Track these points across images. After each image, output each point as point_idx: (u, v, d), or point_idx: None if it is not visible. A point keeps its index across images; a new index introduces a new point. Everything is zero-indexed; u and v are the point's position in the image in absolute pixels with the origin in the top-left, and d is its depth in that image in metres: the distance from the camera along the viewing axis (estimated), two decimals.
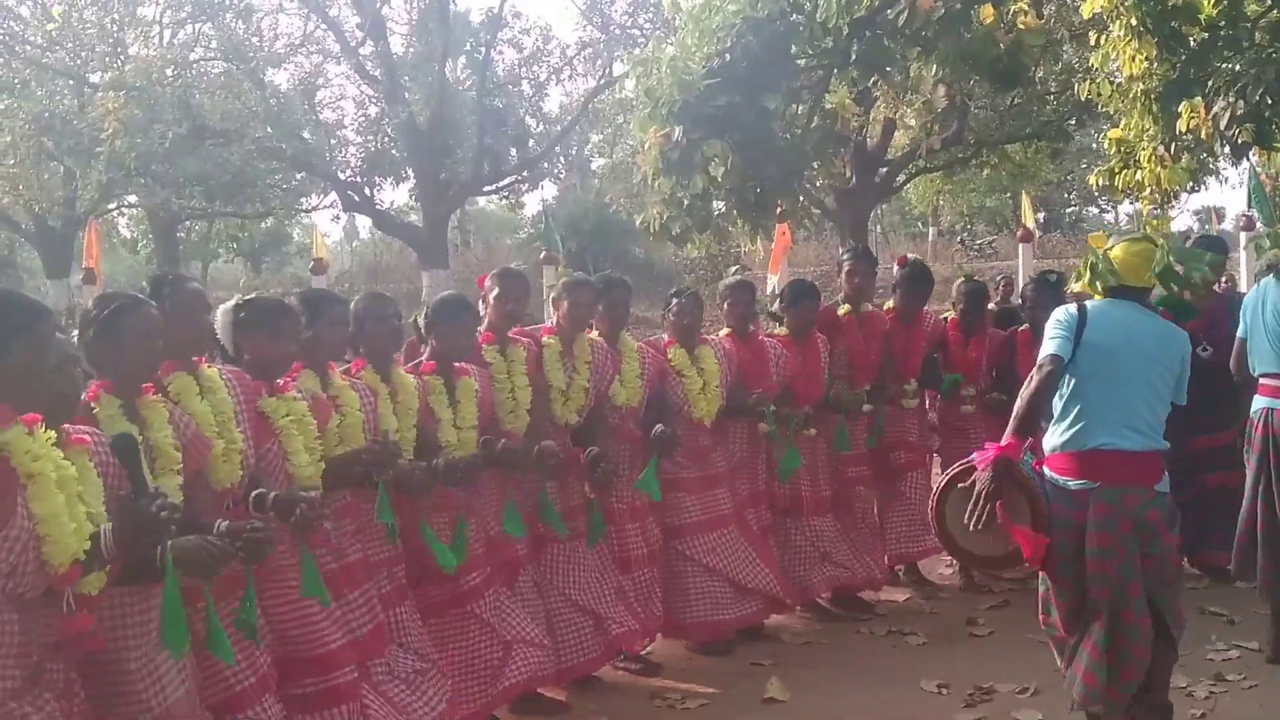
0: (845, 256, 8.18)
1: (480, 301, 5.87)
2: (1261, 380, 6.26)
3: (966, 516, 4.62)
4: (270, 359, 4.46)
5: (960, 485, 4.80)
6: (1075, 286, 5.49)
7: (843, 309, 7.63)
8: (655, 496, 6.27)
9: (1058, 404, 4.83)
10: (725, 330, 7.10)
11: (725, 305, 7.11)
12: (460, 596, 5.37)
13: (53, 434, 3.14)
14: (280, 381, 4.47)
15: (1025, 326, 7.99)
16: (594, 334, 6.25)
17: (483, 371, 5.52)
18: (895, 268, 8.07)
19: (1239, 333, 6.47)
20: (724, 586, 6.58)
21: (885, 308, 7.95)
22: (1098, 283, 4.95)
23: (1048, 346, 4.80)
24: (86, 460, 3.26)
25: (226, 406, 4.08)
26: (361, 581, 4.80)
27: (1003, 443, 4.62)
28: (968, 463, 4.81)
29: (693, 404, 6.48)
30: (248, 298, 4.66)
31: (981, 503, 4.54)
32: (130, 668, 3.58)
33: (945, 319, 8.22)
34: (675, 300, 6.78)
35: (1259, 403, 6.26)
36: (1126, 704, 4.72)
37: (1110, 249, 5.01)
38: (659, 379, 6.44)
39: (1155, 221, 11.32)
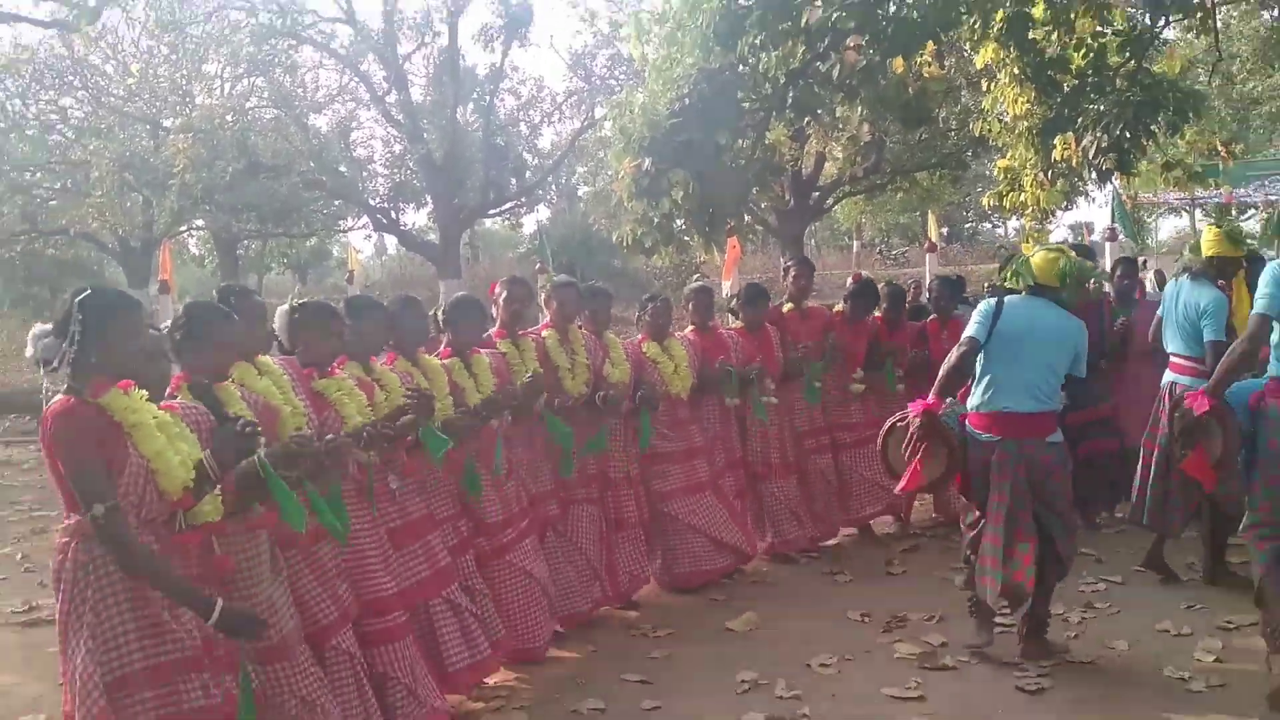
0: (790, 264, 8.22)
1: (491, 305, 5.98)
2: (1171, 358, 6.39)
3: (901, 448, 5.22)
4: (321, 352, 4.53)
5: (898, 426, 5.33)
6: (1003, 281, 5.83)
7: (787, 306, 7.72)
8: (644, 446, 6.40)
9: (977, 374, 5.29)
10: (689, 328, 7.12)
11: (689, 306, 7.20)
12: (501, 549, 5.40)
13: (142, 393, 3.27)
14: (331, 369, 4.56)
15: (933, 318, 8.13)
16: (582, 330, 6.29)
17: (494, 353, 5.60)
18: (850, 281, 8.28)
19: (1159, 312, 6.63)
20: (704, 542, 6.60)
21: (834, 309, 8.00)
22: (1019, 280, 5.38)
23: (969, 330, 5.27)
24: (180, 420, 3.43)
25: (283, 382, 4.17)
26: (423, 534, 4.85)
27: (929, 400, 5.12)
28: (904, 413, 5.31)
29: (669, 383, 6.51)
30: (301, 302, 4.70)
31: (909, 440, 5.14)
32: (257, 603, 3.69)
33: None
34: (650, 304, 6.82)
35: (1167, 376, 6.39)
36: (1019, 602, 5.13)
37: (1031, 256, 5.49)
38: (638, 367, 6.47)
39: (1036, 234, 11.36)
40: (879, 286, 8.46)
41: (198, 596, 3.24)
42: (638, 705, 4.98)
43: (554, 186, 34.88)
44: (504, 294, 5.87)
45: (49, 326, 3.55)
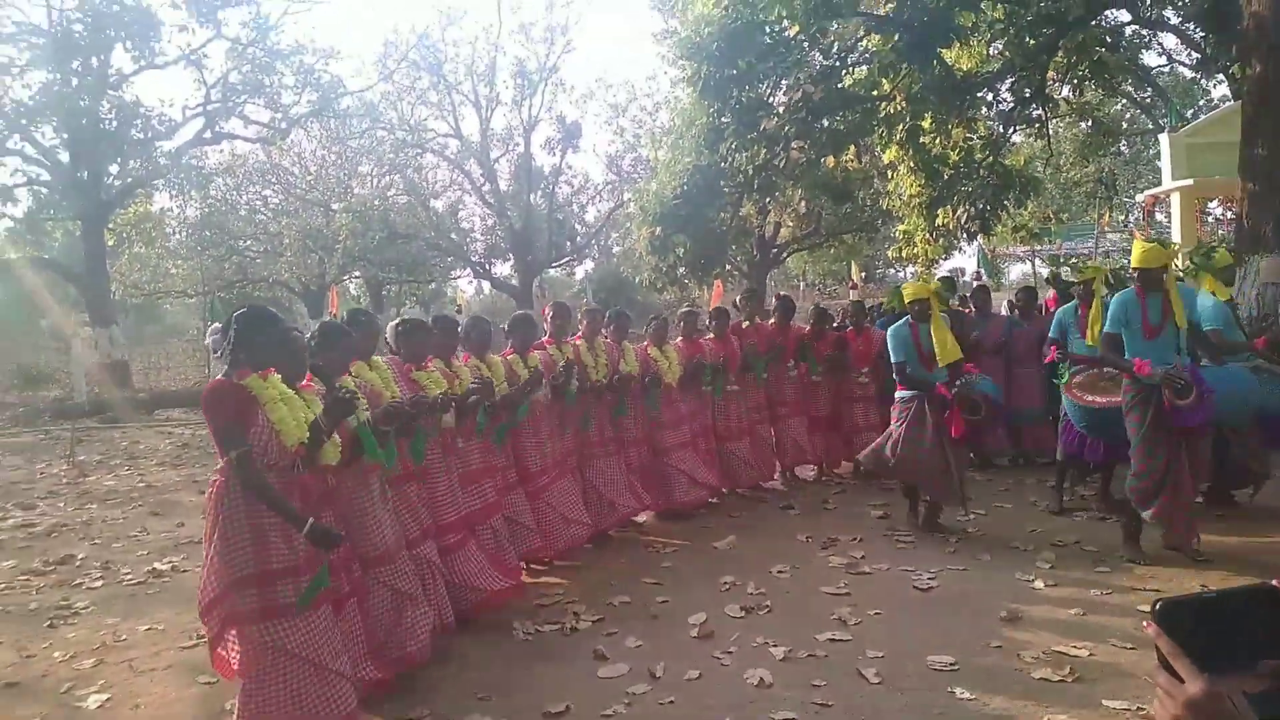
0: (743, 297, 8.27)
1: (545, 322, 6.13)
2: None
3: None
4: (415, 352, 4.57)
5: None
6: (894, 303, 6.37)
7: (745, 323, 7.70)
8: (656, 408, 6.50)
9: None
10: (679, 338, 7.05)
11: (681, 324, 7.15)
12: (538, 491, 5.41)
13: (278, 378, 3.31)
14: (425, 363, 4.59)
15: (850, 329, 8.00)
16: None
17: (544, 353, 5.67)
18: (774, 300, 8.25)
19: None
20: (689, 481, 6.60)
21: (769, 322, 7.91)
22: (897, 302, 6.10)
23: (893, 350, 5.84)
24: (314, 396, 3.50)
25: (388, 375, 4.20)
26: (479, 480, 4.84)
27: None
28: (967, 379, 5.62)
29: (665, 374, 6.53)
30: (403, 319, 4.83)
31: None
32: (366, 521, 3.79)
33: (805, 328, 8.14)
34: (653, 321, 6.87)
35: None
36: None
37: (904, 288, 6.11)
38: (645, 363, 6.51)
39: (925, 275, 11.21)
40: (820, 310, 8.38)
41: (296, 516, 3.21)
42: (653, 598, 4.94)
43: (596, 246, 34.89)
44: (551, 314, 6.05)
45: (219, 325, 3.67)
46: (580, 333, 6.21)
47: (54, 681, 4.27)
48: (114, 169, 20.61)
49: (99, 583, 5.91)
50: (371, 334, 4.31)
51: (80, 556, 6.59)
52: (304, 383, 3.54)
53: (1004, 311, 9.26)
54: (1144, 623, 0.91)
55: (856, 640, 4.15)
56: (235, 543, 3.15)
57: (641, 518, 6.57)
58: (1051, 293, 8.76)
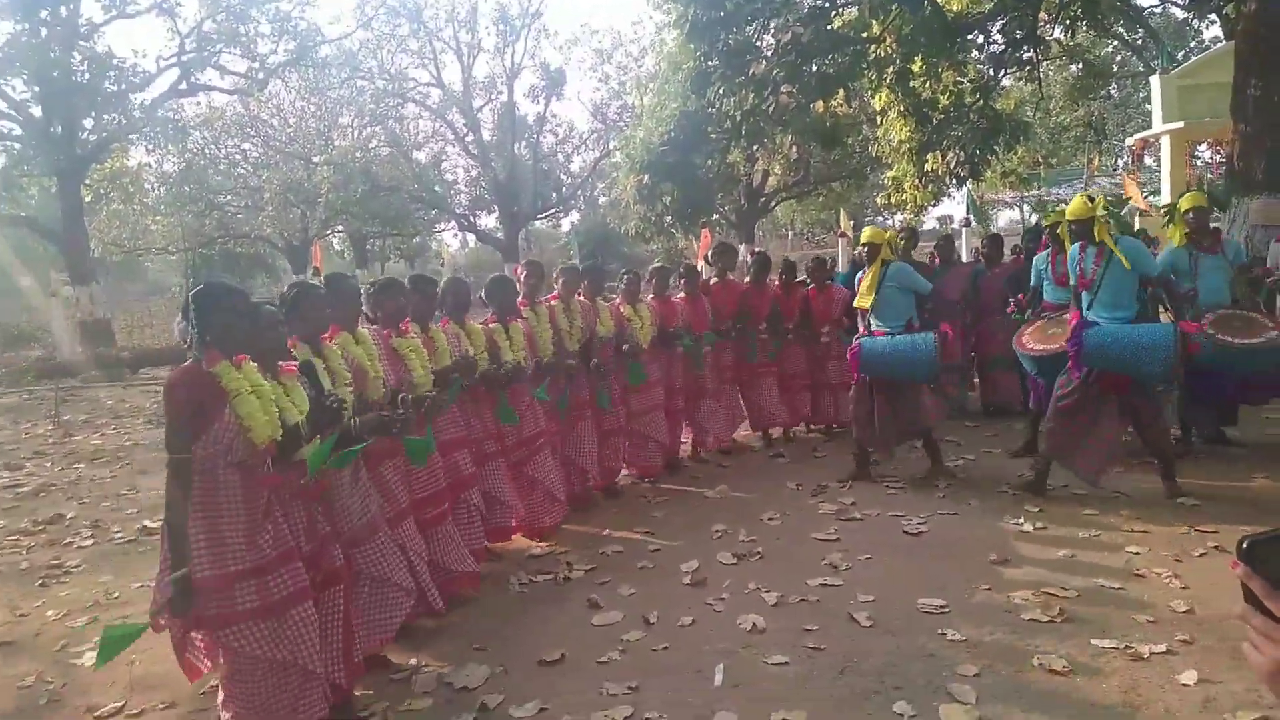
0: (714, 252, 7.77)
1: (519, 282, 5.65)
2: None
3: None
4: (392, 315, 4.23)
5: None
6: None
7: (715, 280, 7.32)
8: (643, 379, 6.23)
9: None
10: (651, 295, 6.77)
11: (652, 281, 6.87)
12: (519, 463, 5.10)
13: (254, 367, 2.99)
14: (402, 327, 4.27)
15: (812, 286, 7.56)
16: (582, 298, 5.98)
17: (526, 323, 5.29)
18: (748, 256, 7.85)
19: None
20: (656, 448, 6.43)
21: (745, 279, 7.59)
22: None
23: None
24: (295, 381, 3.19)
25: (373, 351, 3.89)
26: (451, 452, 4.45)
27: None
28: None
29: (638, 334, 6.21)
30: (375, 281, 4.44)
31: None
32: (339, 505, 3.50)
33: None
34: (625, 276, 6.51)
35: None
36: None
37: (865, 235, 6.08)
38: (619, 324, 6.16)
39: (914, 222, 11.11)
40: (789, 263, 8.01)
41: (180, 555, 2.82)
42: (645, 548, 4.97)
43: (582, 197, 34.60)
44: (524, 274, 5.61)
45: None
46: (556, 292, 5.88)
47: (48, 639, 4.28)
48: (88, 122, 20.17)
49: (89, 541, 5.90)
50: (351, 298, 3.96)
51: (70, 516, 6.58)
52: (286, 365, 3.25)
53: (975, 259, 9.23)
54: (1231, 563, 0.88)
55: (848, 585, 4.19)
56: (191, 545, 2.85)
57: (618, 477, 6.40)
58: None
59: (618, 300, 6.39)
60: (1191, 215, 5.92)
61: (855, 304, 6.04)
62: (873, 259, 5.87)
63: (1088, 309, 5.14)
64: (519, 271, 5.76)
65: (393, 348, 4.13)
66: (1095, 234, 5.09)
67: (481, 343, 4.82)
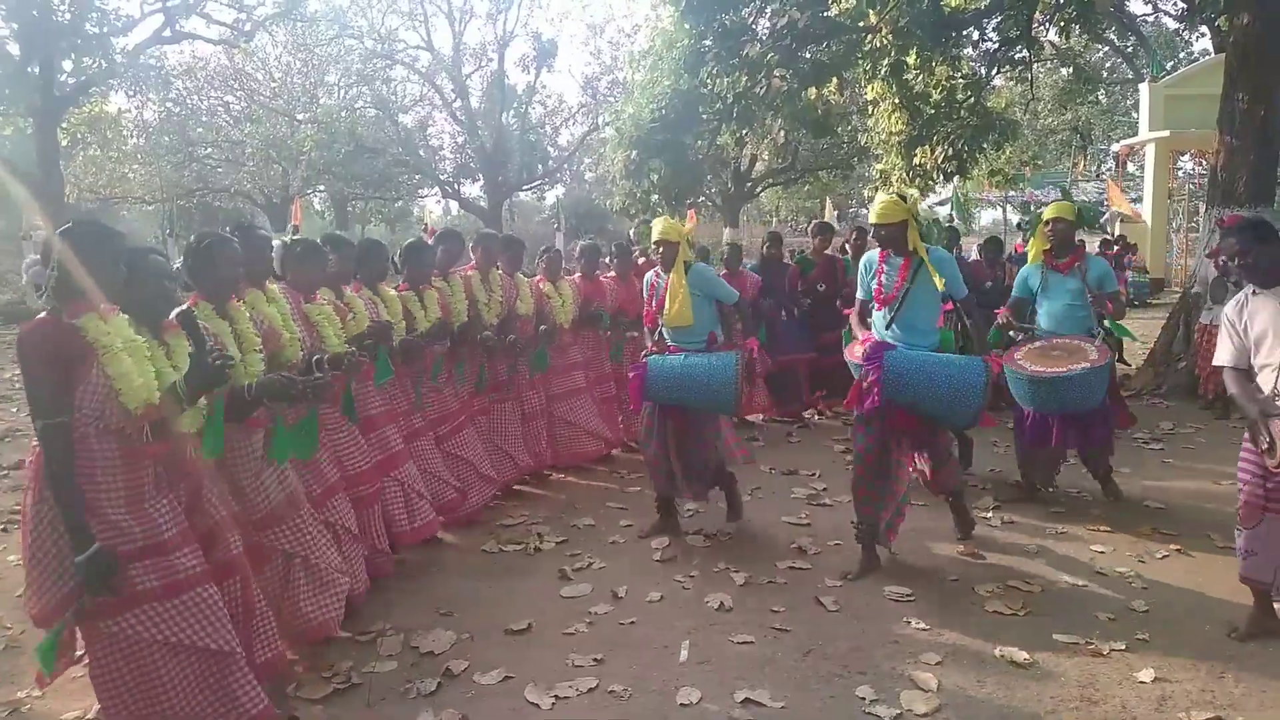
0: (634, 230, 7.57)
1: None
2: None
3: None
4: (308, 280, 3.88)
5: None
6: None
7: (642, 260, 7.03)
8: (543, 369, 5.73)
9: None
10: (578, 274, 6.36)
11: (581, 260, 6.36)
12: (443, 437, 4.85)
13: (124, 320, 2.62)
14: (314, 295, 3.92)
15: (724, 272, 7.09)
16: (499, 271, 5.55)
17: (441, 288, 4.97)
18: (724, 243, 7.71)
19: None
20: (581, 434, 6.03)
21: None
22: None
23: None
24: (181, 340, 2.75)
25: (286, 310, 3.53)
26: (380, 426, 4.20)
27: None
28: None
29: (557, 314, 5.85)
30: (295, 238, 4.06)
31: None
32: (243, 482, 3.16)
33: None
34: (544, 253, 6.17)
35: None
36: None
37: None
38: (539, 302, 5.78)
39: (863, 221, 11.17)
40: (734, 246, 7.81)
41: (83, 530, 2.49)
42: (617, 523, 4.98)
43: (569, 171, 34.33)
44: (437, 240, 5.24)
45: (38, 256, 2.93)
46: (474, 262, 5.46)
47: (10, 585, 4.21)
48: (67, 65, 19.68)
49: None
50: (261, 252, 3.59)
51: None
52: (170, 321, 2.80)
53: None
54: None
55: (816, 569, 4.21)
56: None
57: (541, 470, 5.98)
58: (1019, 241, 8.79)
59: (538, 277, 6.05)
60: (1051, 227, 5.04)
61: (666, 321, 4.64)
62: (669, 261, 4.59)
63: (885, 329, 4.17)
64: (433, 241, 5.28)
65: (304, 313, 3.76)
66: (908, 242, 4.06)
67: (398, 310, 4.50)
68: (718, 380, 4.31)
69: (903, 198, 4.10)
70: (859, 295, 4.38)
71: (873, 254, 4.25)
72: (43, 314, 2.54)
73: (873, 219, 4.13)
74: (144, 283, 2.72)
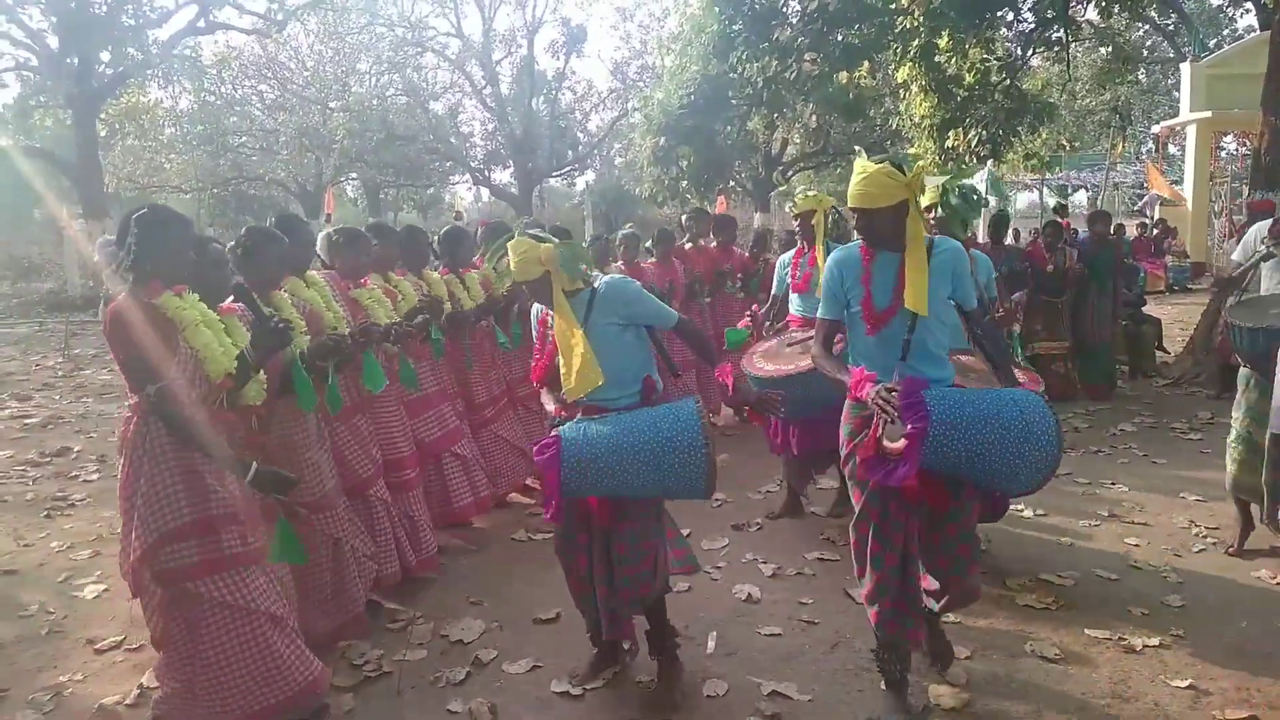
0: (689, 216, 7.54)
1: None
2: None
3: None
4: (353, 267, 4.01)
5: None
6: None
7: (687, 245, 7.13)
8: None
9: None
10: (619, 263, 6.34)
11: (622, 248, 6.40)
12: (484, 423, 4.92)
13: (196, 297, 2.75)
14: (363, 281, 4.03)
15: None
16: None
17: (482, 273, 5.04)
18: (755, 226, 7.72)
19: None
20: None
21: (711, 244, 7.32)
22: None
23: None
24: (236, 320, 2.93)
25: (326, 292, 3.64)
26: (436, 404, 4.37)
27: None
28: None
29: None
30: (338, 228, 4.16)
31: None
32: (301, 465, 3.27)
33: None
34: (621, 239, 6.28)
35: None
36: None
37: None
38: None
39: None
40: (760, 234, 7.91)
41: (236, 461, 2.72)
42: None
43: (598, 157, 34.36)
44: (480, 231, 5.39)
45: (112, 237, 3.04)
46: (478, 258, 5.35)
47: (52, 570, 4.32)
48: (105, 56, 19.99)
49: (95, 475, 5.94)
50: (306, 243, 3.71)
51: (76, 449, 6.62)
52: (226, 305, 2.97)
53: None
54: None
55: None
56: (164, 489, 2.61)
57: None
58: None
59: (618, 262, 6.10)
60: (933, 215, 4.43)
61: (566, 391, 2.94)
62: (541, 293, 2.95)
63: (883, 360, 2.81)
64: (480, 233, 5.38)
65: (352, 298, 3.89)
66: (907, 234, 2.69)
67: (443, 291, 4.62)
68: (676, 446, 2.70)
69: (899, 168, 2.70)
70: (820, 314, 2.90)
71: (848, 251, 2.84)
72: (121, 293, 2.64)
73: (853, 201, 2.72)
74: (208, 270, 2.88)
